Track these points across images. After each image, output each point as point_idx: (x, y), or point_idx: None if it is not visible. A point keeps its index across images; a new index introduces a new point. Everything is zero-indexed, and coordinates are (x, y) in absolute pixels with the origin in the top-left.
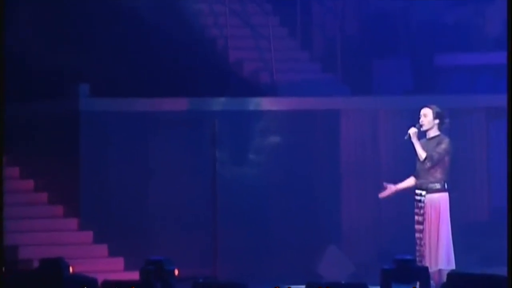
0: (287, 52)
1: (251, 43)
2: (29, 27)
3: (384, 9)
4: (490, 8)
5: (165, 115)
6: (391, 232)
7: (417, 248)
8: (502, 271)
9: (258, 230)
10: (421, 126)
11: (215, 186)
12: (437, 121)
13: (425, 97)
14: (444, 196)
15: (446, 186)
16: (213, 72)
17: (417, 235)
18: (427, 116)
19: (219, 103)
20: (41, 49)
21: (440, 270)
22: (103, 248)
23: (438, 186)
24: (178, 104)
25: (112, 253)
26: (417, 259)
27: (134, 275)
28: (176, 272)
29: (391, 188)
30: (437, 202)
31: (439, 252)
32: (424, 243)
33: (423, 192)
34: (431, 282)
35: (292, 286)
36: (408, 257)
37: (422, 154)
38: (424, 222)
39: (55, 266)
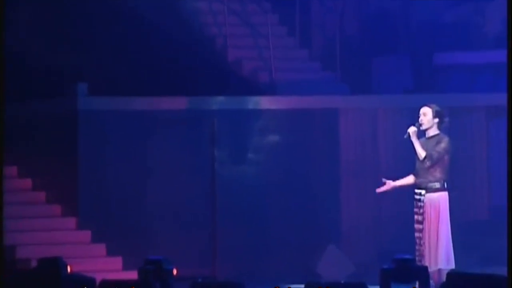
0: (286, 50)
1: (250, 41)
2: (29, 26)
3: (384, 7)
4: (489, 7)
5: (164, 114)
6: (390, 231)
7: (417, 247)
8: (502, 270)
9: (257, 230)
10: (420, 125)
11: (214, 185)
12: (436, 120)
13: (425, 96)
14: (444, 195)
15: (445, 185)
16: (212, 71)
17: (416, 234)
18: (426, 115)
19: (218, 102)
20: (40, 49)
21: (439, 270)
22: (101, 248)
23: (437, 185)
24: (177, 103)
25: (111, 253)
26: (417, 258)
27: (133, 275)
28: (175, 271)
29: (390, 184)
30: (436, 202)
31: (439, 251)
32: (424, 243)
33: (423, 192)
34: (431, 281)
35: (291, 286)
36: (408, 256)
37: (421, 153)
38: (424, 222)
39: (53, 265)
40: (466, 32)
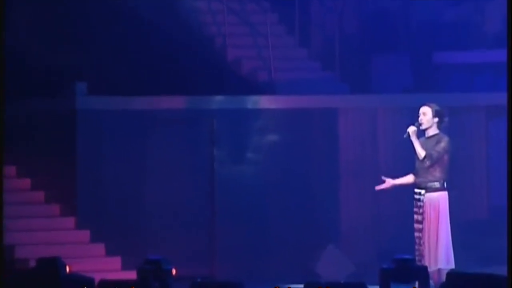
0: (286, 50)
1: (250, 41)
2: (28, 26)
3: (383, 6)
4: (489, 6)
5: (163, 113)
6: (390, 231)
7: (416, 247)
8: (502, 270)
9: (256, 229)
10: (420, 124)
11: (213, 184)
12: (436, 119)
13: (425, 95)
14: (443, 195)
15: (445, 185)
16: (211, 70)
17: (416, 234)
18: (426, 115)
19: (217, 101)
20: (40, 48)
21: (439, 270)
22: (100, 247)
23: (437, 185)
24: (176, 102)
25: (109, 252)
26: (416, 258)
27: (132, 275)
28: (174, 271)
29: (389, 182)
30: (436, 201)
31: (438, 251)
32: (423, 242)
33: (422, 191)
34: (430, 281)
35: (291, 286)
36: (407, 256)
37: (421, 152)
38: (423, 221)
39: (52, 265)
40: (466, 31)
